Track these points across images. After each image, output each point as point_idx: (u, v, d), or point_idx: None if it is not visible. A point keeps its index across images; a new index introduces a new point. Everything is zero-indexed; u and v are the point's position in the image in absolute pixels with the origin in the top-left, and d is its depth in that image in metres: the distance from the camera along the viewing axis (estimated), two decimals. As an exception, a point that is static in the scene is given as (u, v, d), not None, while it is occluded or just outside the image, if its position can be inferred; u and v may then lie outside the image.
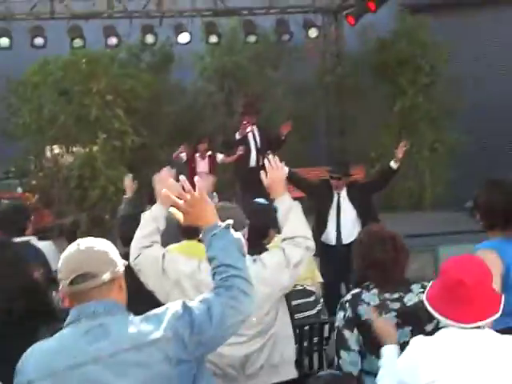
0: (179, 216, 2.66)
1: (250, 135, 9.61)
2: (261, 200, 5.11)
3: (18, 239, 4.58)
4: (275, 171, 3.62)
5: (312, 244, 3.56)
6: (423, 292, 2.78)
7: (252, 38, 13.16)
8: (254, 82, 13.76)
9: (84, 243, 2.43)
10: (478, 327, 2.55)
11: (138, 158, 13.65)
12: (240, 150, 9.44)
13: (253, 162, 9.64)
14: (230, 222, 2.56)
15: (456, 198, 12.63)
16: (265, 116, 13.84)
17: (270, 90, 13.98)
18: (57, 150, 13.26)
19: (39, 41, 12.09)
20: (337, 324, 3.42)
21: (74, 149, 13.27)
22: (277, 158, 3.71)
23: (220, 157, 9.98)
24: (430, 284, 2.74)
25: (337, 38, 14.19)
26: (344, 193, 7.08)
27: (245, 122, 9.45)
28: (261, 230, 4.00)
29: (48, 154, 13.29)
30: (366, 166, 13.05)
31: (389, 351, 3.02)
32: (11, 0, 12.59)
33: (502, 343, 2.55)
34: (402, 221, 10.79)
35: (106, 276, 2.37)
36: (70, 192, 12.98)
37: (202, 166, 9.80)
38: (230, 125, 12.34)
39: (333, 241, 7.03)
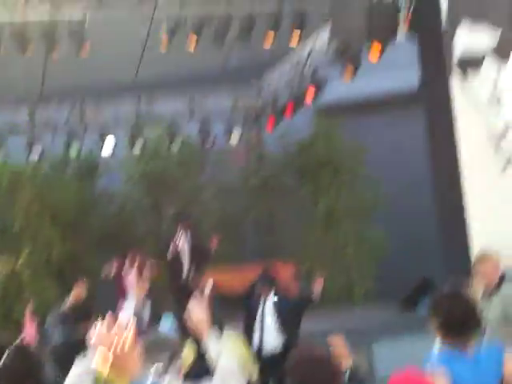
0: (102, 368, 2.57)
1: (181, 249, 9.72)
2: None
3: None
4: (195, 314, 3.65)
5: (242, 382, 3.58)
6: None
7: (176, 145, 13.46)
8: (180, 186, 13.93)
9: None
10: None
11: (65, 267, 13.42)
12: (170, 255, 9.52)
13: (185, 275, 9.76)
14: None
15: (384, 293, 12.94)
16: (194, 219, 14.02)
17: (198, 193, 14.19)
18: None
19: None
20: None
21: (-2, 263, 12.93)
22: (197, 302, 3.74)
23: (149, 267, 9.96)
24: None
25: (258, 142, 14.67)
26: (270, 301, 7.17)
27: (172, 247, 9.55)
28: None
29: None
30: (295, 263, 13.24)
31: None
32: None
33: None
34: (332, 316, 10.92)
35: None
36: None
37: (131, 276, 9.74)
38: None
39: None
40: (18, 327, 12.36)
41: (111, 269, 9.73)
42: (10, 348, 5.05)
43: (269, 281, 7.36)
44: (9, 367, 4.53)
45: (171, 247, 9.62)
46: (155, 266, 9.99)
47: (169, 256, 9.57)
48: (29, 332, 5.93)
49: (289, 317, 7.16)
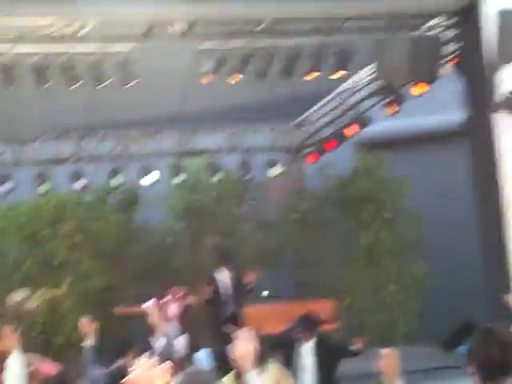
0: None
1: (224, 286, 9.66)
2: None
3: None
4: (242, 347, 3.61)
5: None
6: None
7: (216, 178, 13.52)
8: (219, 219, 13.95)
9: None
10: None
11: (105, 299, 13.48)
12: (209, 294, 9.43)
13: (227, 312, 9.64)
14: None
15: (427, 332, 12.66)
16: (233, 252, 13.99)
17: (236, 226, 14.19)
18: (20, 296, 13.02)
19: (6, 187, 12.20)
20: None
21: (39, 294, 13.06)
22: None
23: (191, 299, 9.92)
24: None
25: (298, 176, 14.63)
26: (311, 343, 7.04)
27: (206, 288, 9.47)
28: None
29: (11, 300, 13.03)
30: (335, 299, 13.08)
31: None
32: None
33: None
34: (373, 357, 10.69)
35: None
36: (33, 339, 12.63)
37: (172, 310, 9.68)
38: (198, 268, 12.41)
39: None
40: (57, 358, 12.50)
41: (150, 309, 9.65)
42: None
43: (311, 325, 7.19)
44: None
45: (205, 291, 9.52)
46: (194, 299, 9.93)
47: (211, 291, 9.49)
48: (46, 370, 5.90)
49: (328, 359, 7.01)
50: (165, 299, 9.68)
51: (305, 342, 7.03)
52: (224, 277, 9.67)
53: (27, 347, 12.37)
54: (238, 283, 9.63)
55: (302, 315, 7.36)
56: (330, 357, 7.09)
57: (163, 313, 9.49)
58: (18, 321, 12.69)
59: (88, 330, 6.24)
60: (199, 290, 11.05)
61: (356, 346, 9.12)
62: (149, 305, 9.43)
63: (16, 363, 4.85)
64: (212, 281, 9.62)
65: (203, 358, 9.50)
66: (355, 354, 7.37)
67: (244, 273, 9.61)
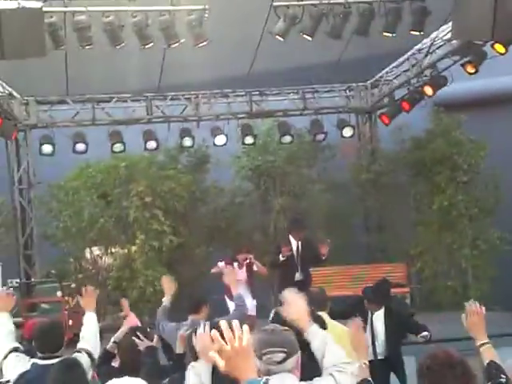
0: (218, 361, 2.54)
1: (294, 252, 9.63)
2: None
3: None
4: (298, 306, 3.56)
5: (355, 369, 3.50)
6: None
7: (287, 139, 13.43)
8: (290, 180, 13.90)
9: None
10: None
11: (175, 257, 13.73)
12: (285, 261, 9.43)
13: (298, 276, 9.61)
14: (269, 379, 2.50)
15: (502, 297, 12.35)
16: (302, 213, 13.94)
17: (307, 187, 14.10)
18: (96, 251, 13.41)
19: (81, 147, 12.49)
20: None
21: (113, 250, 13.42)
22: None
23: (258, 265, 9.95)
24: None
25: (371, 137, 14.36)
26: (380, 312, 6.98)
27: (284, 248, 9.45)
28: None
29: (87, 255, 13.44)
30: (406, 263, 12.92)
31: None
32: (54, 108, 13.09)
33: None
34: (446, 321, 10.52)
35: None
36: (109, 294, 13.02)
37: (240, 274, 9.75)
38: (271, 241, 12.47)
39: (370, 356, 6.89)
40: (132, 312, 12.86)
41: (218, 269, 9.73)
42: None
43: (379, 298, 7.06)
44: (129, 344, 4.71)
45: (283, 250, 9.49)
46: (260, 267, 9.95)
47: (281, 258, 9.48)
48: (132, 322, 6.09)
49: (396, 329, 6.96)
50: (233, 264, 9.74)
51: (374, 312, 6.97)
52: (293, 244, 9.66)
53: (103, 301, 12.92)
54: (307, 252, 9.56)
55: (370, 287, 7.23)
56: (397, 327, 7.03)
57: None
58: (94, 275, 13.19)
59: (167, 288, 6.35)
60: (268, 252, 11.09)
61: (323, 249, 9.00)
62: (222, 265, 9.56)
63: (92, 321, 5.00)
64: (289, 243, 9.61)
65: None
66: (421, 328, 7.21)
67: (318, 245, 9.55)
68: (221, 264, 9.74)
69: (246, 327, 2.43)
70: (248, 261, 9.83)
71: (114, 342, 5.45)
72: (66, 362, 4.20)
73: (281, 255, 9.46)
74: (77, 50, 9.14)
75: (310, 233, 10.64)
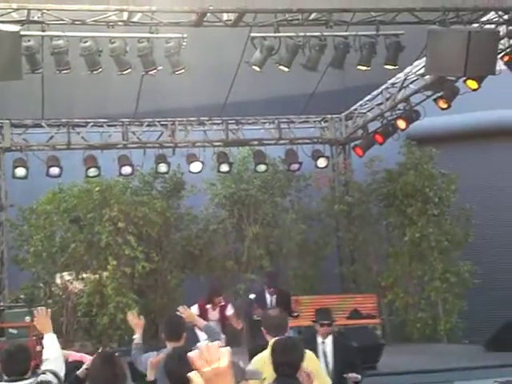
0: (198, 382, 2.56)
1: (268, 302, 9.74)
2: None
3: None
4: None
5: None
6: None
7: (262, 167, 13.52)
8: (263, 208, 13.95)
9: None
10: None
11: (148, 283, 13.65)
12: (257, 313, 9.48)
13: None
14: None
15: (471, 330, 12.48)
16: (275, 242, 13.99)
17: (280, 216, 14.18)
18: (66, 277, 13.28)
19: (55, 171, 12.44)
20: None
21: (84, 275, 13.30)
22: None
23: (230, 311, 9.95)
24: None
25: (345, 168, 14.50)
26: (329, 340, 6.91)
27: (257, 311, 9.48)
28: (295, 363, 4.16)
29: (58, 281, 13.31)
30: (378, 294, 13.00)
31: None
32: (29, 131, 13.04)
33: None
34: (416, 354, 10.60)
35: None
36: (78, 320, 12.89)
37: (213, 315, 9.76)
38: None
39: None
40: (99, 339, 12.73)
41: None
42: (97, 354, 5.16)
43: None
44: (98, 370, 4.65)
45: (256, 312, 9.51)
46: (233, 313, 9.97)
47: (255, 316, 9.48)
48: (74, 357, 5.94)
49: (342, 358, 6.86)
50: (207, 306, 9.75)
51: (323, 338, 6.88)
52: (268, 299, 9.78)
53: (72, 327, 12.75)
54: (281, 306, 9.63)
55: (319, 309, 7.22)
56: (344, 357, 6.90)
57: (204, 317, 9.53)
58: (64, 301, 13.03)
59: (136, 325, 6.16)
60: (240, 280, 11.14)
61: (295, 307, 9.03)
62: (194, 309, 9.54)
63: (53, 342, 4.92)
64: (264, 299, 9.71)
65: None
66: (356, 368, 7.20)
67: (292, 300, 9.71)
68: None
69: (226, 348, 2.45)
70: (222, 303, 9.83)
71: (86, 368, 5.38)
72: None
73: (255, 316, 9.48)
74: (54, 74, 9.17)
75: (285, 287, 10.81)
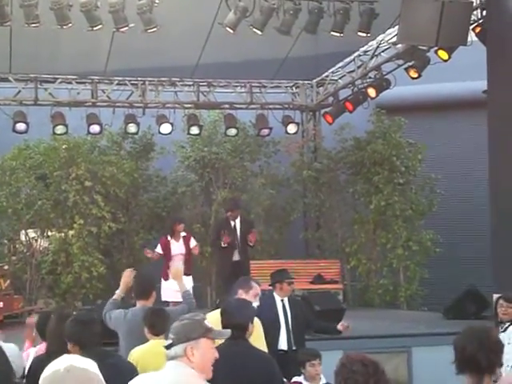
0: None
1: (232, 225, 9.88)
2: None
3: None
4: None
5: None
6: None
7: (232, 131, 13.50)
8: (232, 173, 13.97)
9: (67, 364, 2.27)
10: None
11: (114, 244, 13.64)
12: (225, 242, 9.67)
13: (236, 256, 9.87)
14: None
15: (431, 298, 12.75)
16: (243, 206, 14.03)
17: (249, 181, 14.22)
18: (32, 234, 13.19)
19: (21, 127, 12.24)
20: None
21: (50, 233, 13.23)
22: None
23: (194, 243, 9.89)
24: None
25: (315, 134, 14.56)
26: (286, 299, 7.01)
27: (225, 238, 9.63)
28: (244, 325, 4.29)
29: (23, 238, 13.21)
30: (341, 260, 13.19)
31: None
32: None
33: None
34: (375, 319, 10.81)
35: None
36: (42, 277, 12.86)
37: (177, 247, 9.69)
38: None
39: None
40: (64, 298, 12.72)
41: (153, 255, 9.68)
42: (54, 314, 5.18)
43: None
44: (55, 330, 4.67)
45: (224, 233, 9.65)
46: (196, 245, 9.94)
47: (222, 243, 9.63)
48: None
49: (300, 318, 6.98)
50: (169, 238, 9.72)
51: (283, 296, 6.98)
52: (232, 224, 9.92)
53: (36, 284, 12.71)
54: (245, 233, 9.83)
55: (280, 269, 7.30)
56: (300, 313, 7.02)
57: (168, 251, 9.58)
58: (28, 258, 12.96)
59: (126, 282, 6.03)
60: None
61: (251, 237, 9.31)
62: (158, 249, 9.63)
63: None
64: (229, 225, 9.83)
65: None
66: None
67: (250, 232, 9.81)
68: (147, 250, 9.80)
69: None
70: (184, 234, 9.80)
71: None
72: None
73: (222, 243, 9.62)
74: (22, 27, 8.99)
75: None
